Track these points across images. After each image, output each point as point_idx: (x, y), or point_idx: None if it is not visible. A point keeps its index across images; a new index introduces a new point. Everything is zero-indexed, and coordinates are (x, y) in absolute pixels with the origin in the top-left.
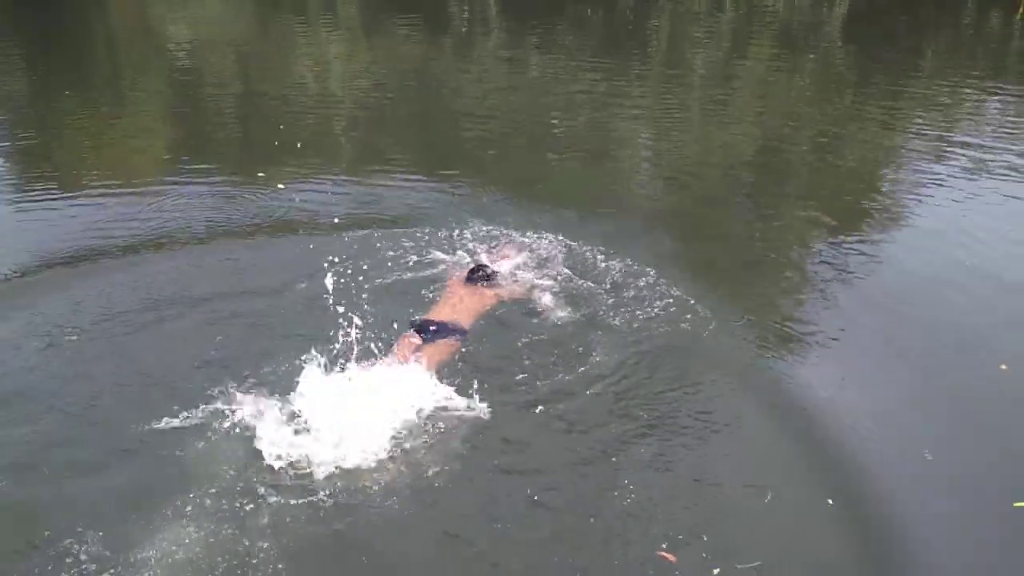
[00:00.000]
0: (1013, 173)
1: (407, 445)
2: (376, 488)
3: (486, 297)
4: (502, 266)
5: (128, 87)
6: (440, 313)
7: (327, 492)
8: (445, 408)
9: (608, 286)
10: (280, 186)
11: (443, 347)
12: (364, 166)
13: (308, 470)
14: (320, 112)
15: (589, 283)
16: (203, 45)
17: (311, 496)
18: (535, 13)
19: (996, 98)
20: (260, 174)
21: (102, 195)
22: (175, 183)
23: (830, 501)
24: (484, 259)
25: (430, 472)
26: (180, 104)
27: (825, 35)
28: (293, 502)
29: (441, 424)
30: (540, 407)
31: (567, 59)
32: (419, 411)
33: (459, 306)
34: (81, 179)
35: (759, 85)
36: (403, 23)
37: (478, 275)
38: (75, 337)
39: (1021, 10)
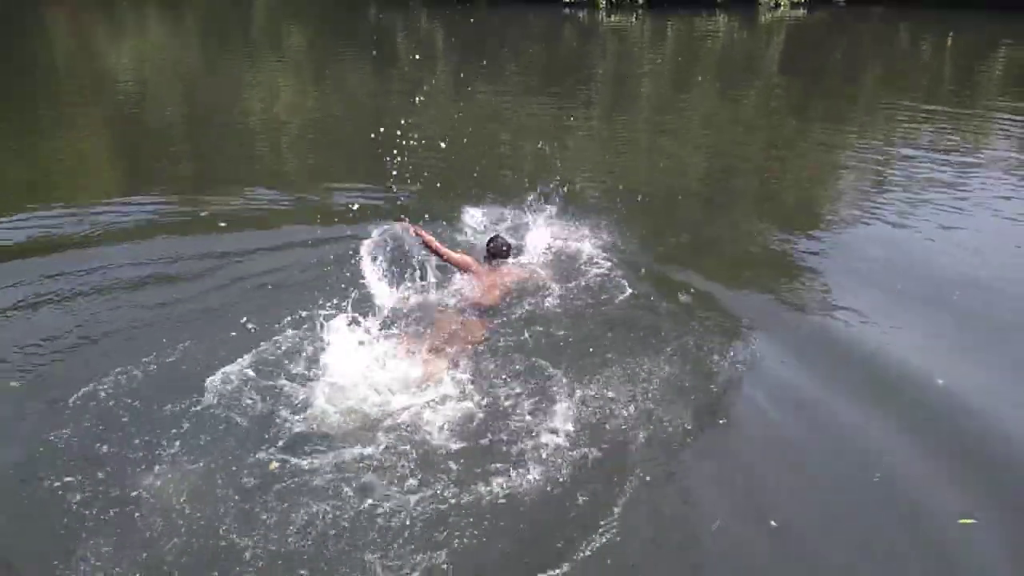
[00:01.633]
0: (946, 187)
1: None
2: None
3: (502, 275)
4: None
5: (67, 115)
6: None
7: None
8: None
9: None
10: (222, 224)
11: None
12: (313, 186)
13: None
14: (265, 139)
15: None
16: (147, 74)
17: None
18: (481, 46)
19: (928, 120)
20: (203, 212)
21: (38, 220)
22: (114, 210)
23: None
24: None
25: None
26: (121, 133)
27: (764, 66)
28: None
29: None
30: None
31: (514, 89)
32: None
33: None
34: (17, 204)
35: (703, 113)
36: (350, 55)
37: (494, 247)
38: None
39: (950, 40)
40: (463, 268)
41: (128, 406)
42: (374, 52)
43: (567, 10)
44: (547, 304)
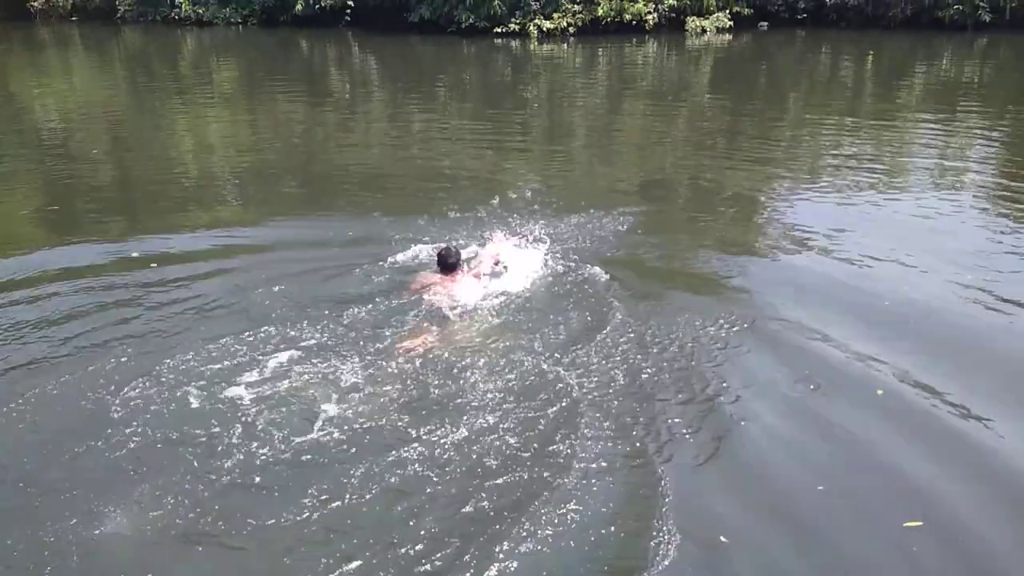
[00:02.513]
0: (873, 193)
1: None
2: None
3: (458, 282)
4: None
5: None
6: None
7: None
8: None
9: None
10: (152, 265)
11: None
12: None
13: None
14: (196, 175)
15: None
16: (73, 115)
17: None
18: (416, 77)
19: (852, 133)
20: (135, 254)
21: None
22: (39, 255)
23: None
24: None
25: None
26: (47, 174)
27: (694, 87)
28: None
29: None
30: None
31: (450, 116)
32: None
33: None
34: None
35: (636, 132)
36: (283, 90)
37: (449, 260)
38: None
39: (869, 58)
40: (425, 286)
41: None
42: (308, 84)
43: (499, 40)
44: (511, 305)
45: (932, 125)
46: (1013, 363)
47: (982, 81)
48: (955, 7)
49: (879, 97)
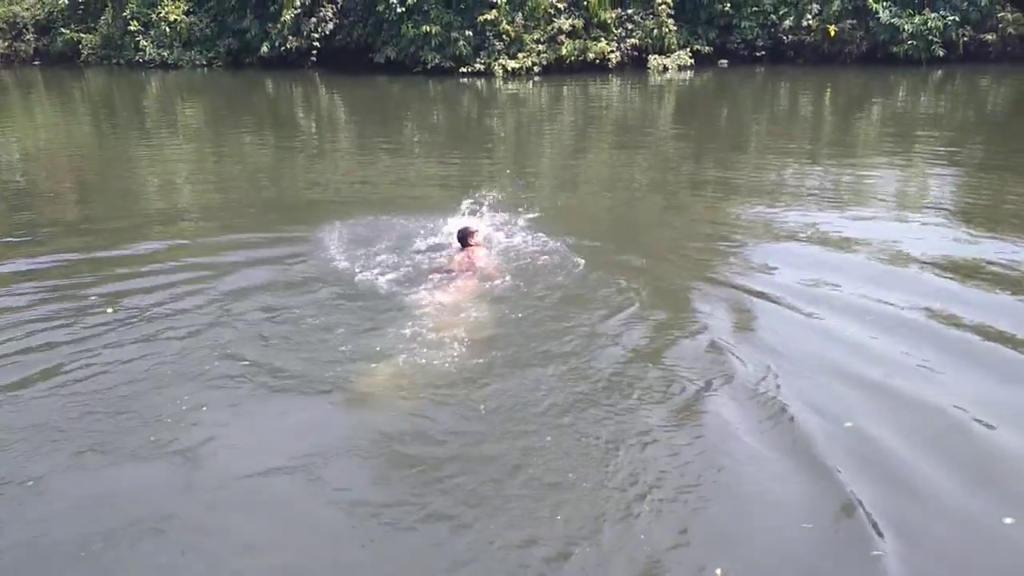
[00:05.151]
0: (832, 227)
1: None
2: None
3: (476, 256)
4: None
5: None
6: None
7: None
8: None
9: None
10: (109, 310)
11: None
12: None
13: None
14: (165, 211)
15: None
16: (33, 153)
17: None
18: (382, 115)
19: (815, 166)
20: (92, 295)
21: None
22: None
23: None
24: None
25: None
26: (5, 213)
27: (658, 123)
28: None
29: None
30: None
31: (416, 154)
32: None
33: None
34: None
35: (602, 165)
36: (248, 128)
37: (465, 233)
38: None
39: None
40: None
41: None
42: (274, 124)
43: (465, 80)
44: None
45: (890, 155)
46: (978, 391)
47: (938, 113)
48: (909, 42)
49: (838, 129)
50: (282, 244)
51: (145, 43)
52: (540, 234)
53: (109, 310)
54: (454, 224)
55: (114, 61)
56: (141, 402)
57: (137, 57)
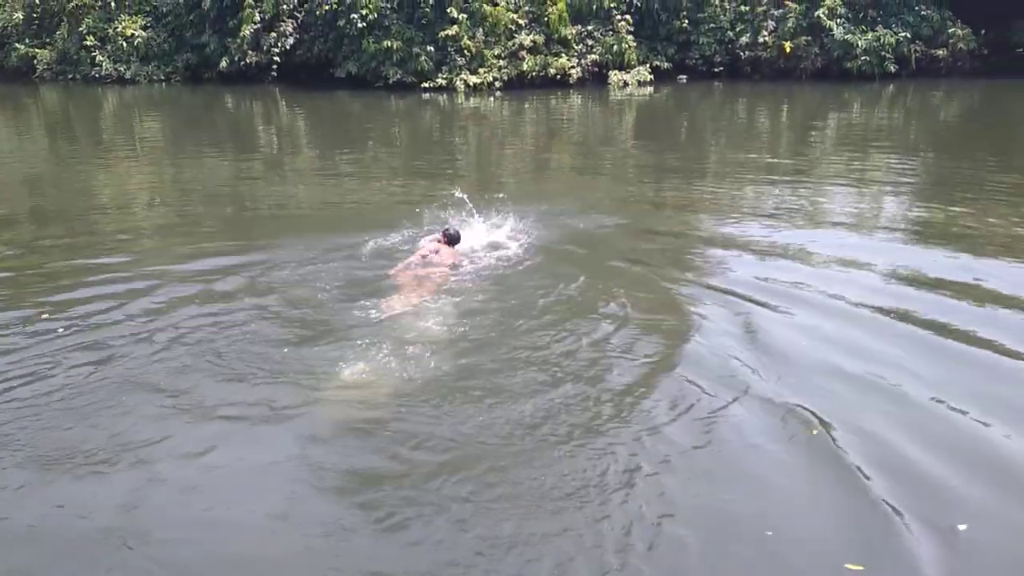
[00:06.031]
0: (792, 236)
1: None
2: None
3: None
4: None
5: None
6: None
7: None
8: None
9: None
10: (60, 330)
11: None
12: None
13: None
14: (120, 228)
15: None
16: None
17: None
18: (344, 130)
19: (773, 181)
20: (44, 313)
21: None
22: None
23: None
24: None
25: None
26: None
27: (619, 137)
28: None
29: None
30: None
31: (377, 169)
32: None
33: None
34: None
35: (565, 179)
36: (209, 147)
37: (449, 234)
38: None
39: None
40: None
41: None
42: (234, 139)
43: (427, 95)
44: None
45: (847, 167)
46: (943, 395)
47: (891, 126)
48: (863, 58)
49: (795, 143)
50: (240, 259)
51: (102, 58)
52: (507, 244)
53: (60, 330)
54: (425, 234)
55: (70, 76)
56: (96, 417)
57: (93, 72)
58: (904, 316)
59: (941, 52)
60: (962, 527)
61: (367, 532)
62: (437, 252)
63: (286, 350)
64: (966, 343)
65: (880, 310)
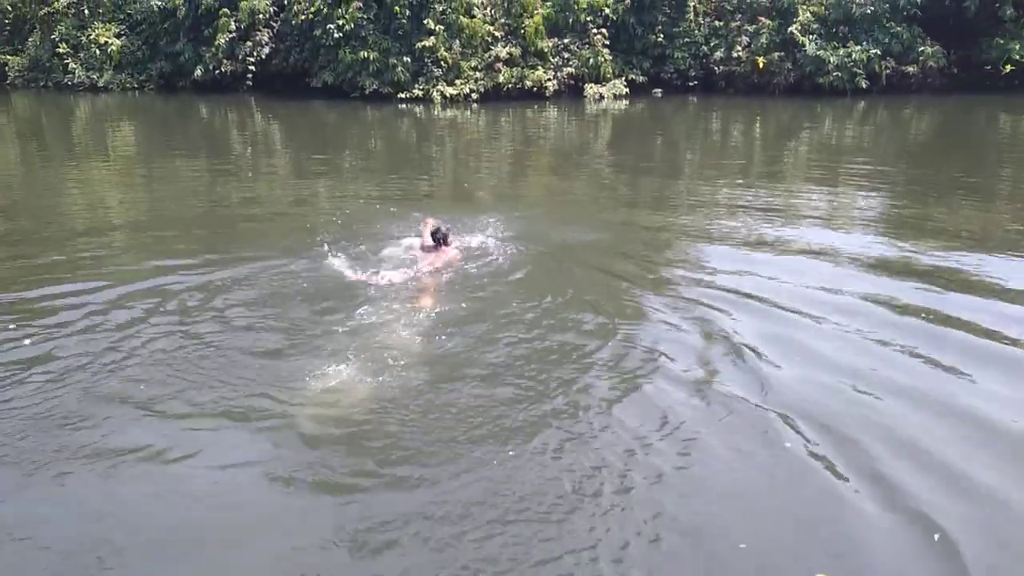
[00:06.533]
0: (762, 242)
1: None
2: None
3: (445, 253)
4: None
5: None
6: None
7: None
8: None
9: None
10: (27, 342)
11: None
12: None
13: None
14: (88, 242)
15: None
16: None
17: None
18: (320, 140)
19: (748, 190)
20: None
21: None
22: None
23: None
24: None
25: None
26: None
27: (595, 149)
28: None
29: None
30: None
31: (354, 175)
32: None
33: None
34: None
35: (541, 191)
36: (182, 153)
37: (438, 235)
38: None
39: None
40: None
41: None
42: (208, 148)
43: (404, 106)
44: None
45: (819, 180)
46: (909, 405)
47: (862, 140)
48: (834, 74)
49: (769, 156)
50: (211, 267)
51: (74, 66)
52: (484, 252)
53: (27, 342)
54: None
55: (42, 84)
56: (62, 428)
57: (66, 80)
58: (890, 324)
59: (911, 68)
60: (936, 536)
61: (342, 542)
62: (429, 252)
63: (259, 358)
64: (945, 350)
65: (859, 319)
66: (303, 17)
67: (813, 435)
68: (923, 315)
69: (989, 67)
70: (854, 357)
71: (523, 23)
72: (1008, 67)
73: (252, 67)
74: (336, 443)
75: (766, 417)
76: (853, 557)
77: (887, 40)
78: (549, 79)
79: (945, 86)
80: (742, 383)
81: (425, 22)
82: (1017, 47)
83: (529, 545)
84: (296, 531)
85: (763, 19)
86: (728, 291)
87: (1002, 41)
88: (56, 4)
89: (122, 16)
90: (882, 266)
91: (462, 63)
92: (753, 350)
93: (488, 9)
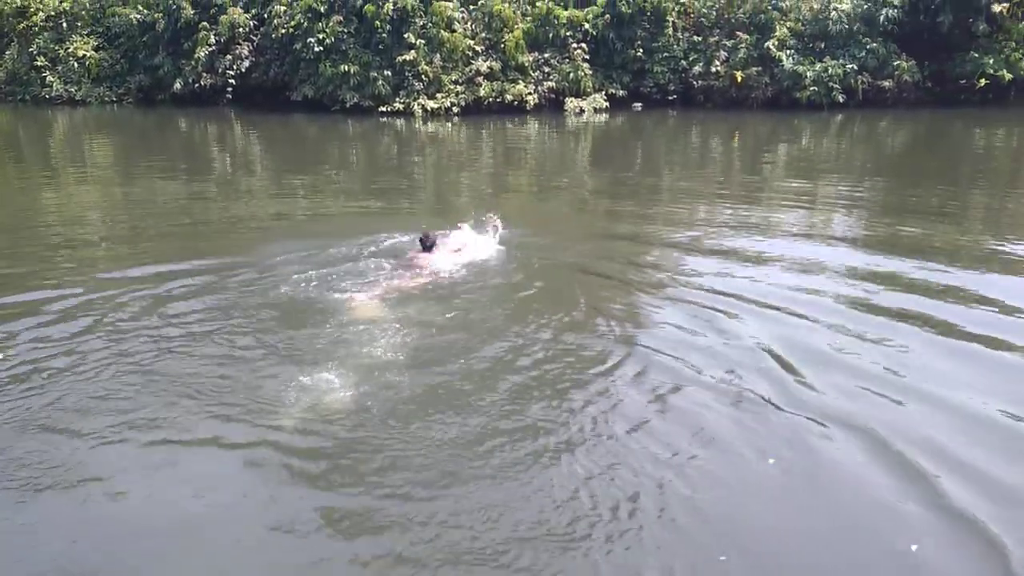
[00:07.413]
0: (740, 254)
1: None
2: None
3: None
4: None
5: None
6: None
7: None
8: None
9: None
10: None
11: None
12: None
13: None
14: (69, 251)
15: None
16: None
17: None
18: (300, 153)
19: (726, 202)
20: None
21: None
22: None
23: None
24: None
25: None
26: None
27: (576, 163)
28: None
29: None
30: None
31: (336, 192)
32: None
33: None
34: None
35: (522, 205)
36: (160, 168)
37: (427, 242)
38: None
39: (736, 137)
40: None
41: None
42: (188, 161)
43: (384, 119)
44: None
45: (797, 193)
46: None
47: (839, 154)
48: (811, 88)
49: (748, 169)
50: (191, 278)
51: (52, 79)
52: (470, 258)
53: (1, 355)
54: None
55: (19, 97)
56: (44, 443)
57: (44, 93)
58: (880, 326)
59: (887, 83)
60: (914, 547)
61: (329, 555)
62: (415, 259)
63: (239, 370)
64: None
65: (844, 318)
66: (283, 31)
67: (850, 440)
68: (932, 321)
69: (963, 81)
70: (885, 364)
71: (503, 37)
72: (982, 81)
73: (232, 80)
74: (319, 456)
75: (797, 422)
76: (832, 567)
77: (863, 55)
78: (530, 93)
79: (920, 100)
80: (767, 390)
81: (406, 36)
82: (991, 61)
83: (527, 556)
84: (275, 546)
85: (741, 34)
86: (711, 293)
87: (976, 56)
88: (34, 17)
89: (100, 29)
90: (850, 287)
91: (443, 77)
92: (776, 357)
93: (468, 24)
